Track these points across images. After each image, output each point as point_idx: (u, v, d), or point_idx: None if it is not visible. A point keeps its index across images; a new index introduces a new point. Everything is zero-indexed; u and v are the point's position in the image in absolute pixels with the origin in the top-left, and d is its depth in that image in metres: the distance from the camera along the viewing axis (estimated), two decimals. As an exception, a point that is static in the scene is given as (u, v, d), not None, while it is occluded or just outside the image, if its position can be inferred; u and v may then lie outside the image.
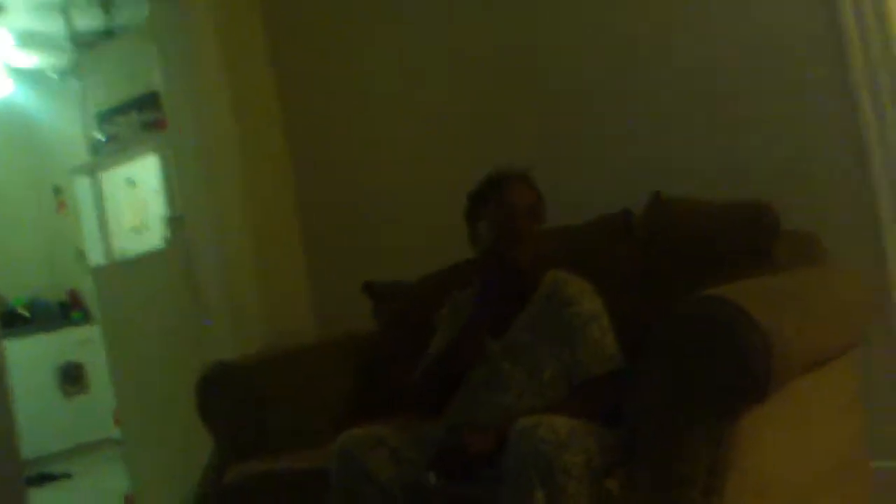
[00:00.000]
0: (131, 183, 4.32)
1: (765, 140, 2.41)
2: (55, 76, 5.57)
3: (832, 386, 2.03)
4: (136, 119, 4.19)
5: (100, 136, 4.37)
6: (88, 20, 4.68)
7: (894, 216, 2.25)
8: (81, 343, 5.73)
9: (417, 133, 3.11)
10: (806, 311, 1.82)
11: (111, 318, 3.80)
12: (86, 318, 5.96)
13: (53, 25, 4.80)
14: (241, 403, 2.46)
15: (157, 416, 3.49)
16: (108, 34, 4.43)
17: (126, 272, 3.85)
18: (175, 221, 3.56)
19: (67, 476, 5.21)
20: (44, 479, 5.07)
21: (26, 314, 5.95)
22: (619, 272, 2.24)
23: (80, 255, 5.46)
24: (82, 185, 4.60)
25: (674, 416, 1.61)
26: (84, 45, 4.65)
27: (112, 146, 4.31)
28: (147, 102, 4.11)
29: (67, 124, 5.47)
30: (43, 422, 5.13)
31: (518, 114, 2.87)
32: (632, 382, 1.73)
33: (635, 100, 2.62)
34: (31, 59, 5.42)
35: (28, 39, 5.03)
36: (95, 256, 4.47)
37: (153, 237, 4.03)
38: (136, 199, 4.33)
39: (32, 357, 5.43)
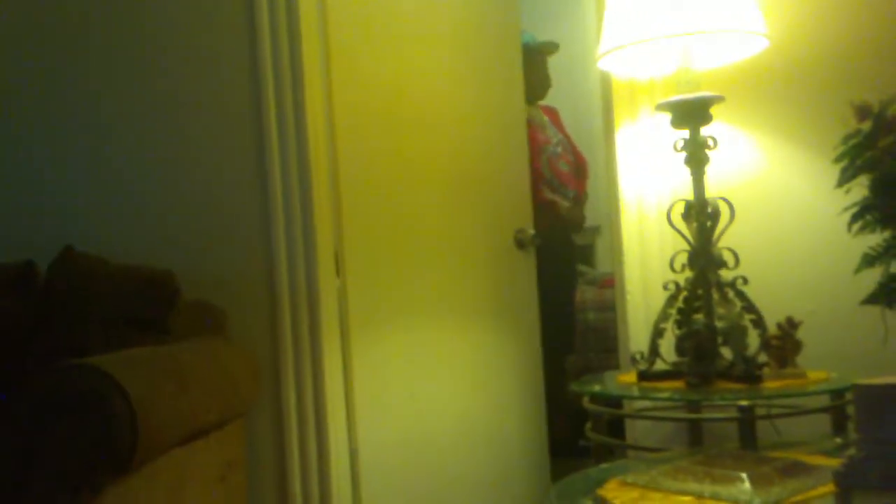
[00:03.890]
0: None
1: (190, 212, 2.47)
2: None
3: (212, 455, 2.09)
4: None
5: None
6: None
7: (290, 295, 2.42)
8: None
9: None
10: (187, 382, 1.85)
11: None
12: None
13: None
14: None
15: None
16: None
17: None
18: None
19: None
20: None
21: None
22: (6, 325, 2.09)
23: None
24: None
25: (22, 491, 1.51)
26: None
27: None
28: None
29: None
30: None
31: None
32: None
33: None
34: None
35: None
36: None
37: None
38: None
39: None
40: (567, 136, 4.01)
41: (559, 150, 3.86)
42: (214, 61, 2.45)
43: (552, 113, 4.03)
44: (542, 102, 4.02)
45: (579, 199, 3.95)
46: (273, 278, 2.42)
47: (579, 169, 3.98)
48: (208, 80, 2.46)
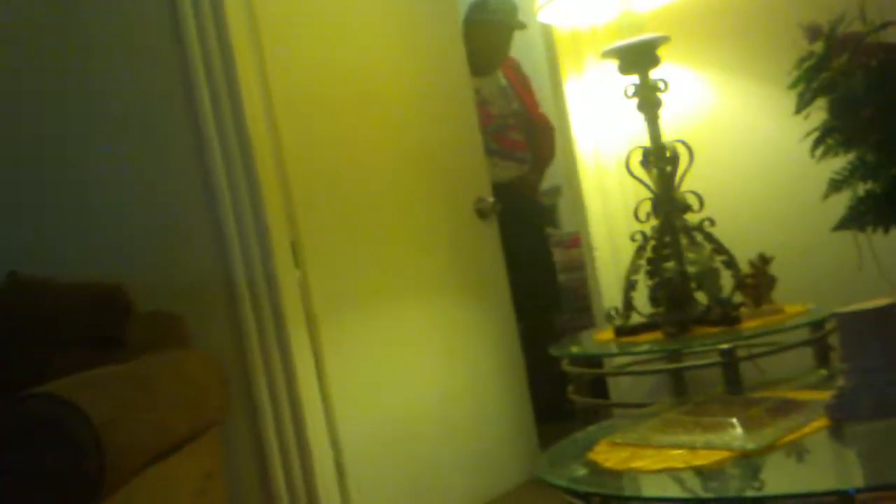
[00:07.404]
0: None
1: (135, 220, 2.38)
2: None
3: (189, 468, 2.02)
4: None
5: None
6: None
7: (250, 293, 2.34)
8: None
9: None
10: (153, 398, 1.79)
11: None
12: None
13: None
14: None
15: None
16: None
17: None
18: None
19: None
20: None
21: None
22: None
23: None
24: None
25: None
26: None
27: None
28: None
29: None
30: None
31: None
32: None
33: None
34: None
35: None
36: None
37: None
38: None
39: None
40: (526, 99, 3.90)
41: (510, 121, 3.77)
42: (144, 66, 2.36)
43: (512, 71, 3.91)
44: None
45: (538, 165, 3.87)
46: (230, 279, 2.34)
47: (537, 134, 3.87)
48: (139, 86, 2.36)
